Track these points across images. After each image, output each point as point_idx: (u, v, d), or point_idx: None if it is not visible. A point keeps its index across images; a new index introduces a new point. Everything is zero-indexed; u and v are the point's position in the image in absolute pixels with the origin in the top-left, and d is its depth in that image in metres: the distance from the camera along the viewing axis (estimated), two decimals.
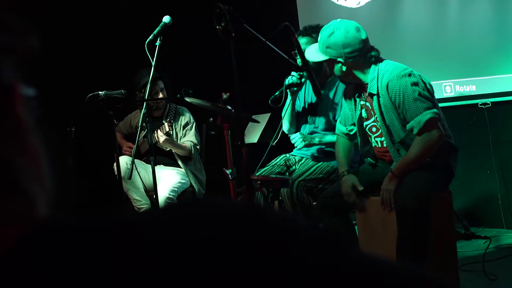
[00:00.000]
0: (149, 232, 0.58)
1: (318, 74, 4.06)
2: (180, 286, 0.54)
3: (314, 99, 4.19)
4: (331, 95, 4.11)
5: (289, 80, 4.01)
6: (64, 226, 0.59)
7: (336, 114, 4.06)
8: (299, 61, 3.57)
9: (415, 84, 3.25)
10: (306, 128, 4.24)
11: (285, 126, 4.27)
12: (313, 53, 3.46)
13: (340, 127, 3.74)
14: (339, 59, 3.36)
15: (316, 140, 4.09)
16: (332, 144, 3.99)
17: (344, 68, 3.38)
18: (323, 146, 4.13)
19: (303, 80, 4.02)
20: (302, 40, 3.99)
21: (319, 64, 3.77)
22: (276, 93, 4.04)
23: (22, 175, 0.60)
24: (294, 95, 4.13)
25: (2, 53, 0.61)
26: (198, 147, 4.84)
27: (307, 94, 4.26)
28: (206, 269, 0.54)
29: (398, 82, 3.25)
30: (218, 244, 0.56)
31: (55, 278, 0.54)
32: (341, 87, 3.95)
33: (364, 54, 3.35)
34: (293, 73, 4.02)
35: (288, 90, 4.04)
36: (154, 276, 0.54)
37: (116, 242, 0.57)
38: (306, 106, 4.25)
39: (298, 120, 4.30)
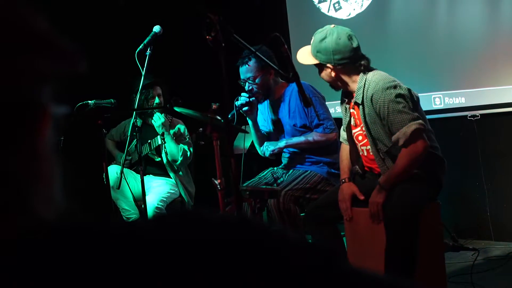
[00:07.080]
0: (145, 234, 0.58)
1: (269, 94, 4.10)
2: (180, 286, 0.54)
3: (274, 117, 4.21)
4: (286, 107, 4.12)
5: (238, 101, 4.03)
6: (62, 229, 0.59)
7: (297, 119, 4.08)
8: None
9: (400, 96, 3.24)
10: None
11: (258, 149, 4.27)
12: (305, 55, 3.46)
13: (343, 134, 3.72)
14: (328, 65, 3.36)
15: (283, 142, 4.10)
16: (299, 145, 4.06)
17: (332, 74, 3.38)
18: (292, 151, 4.15)
19: (252, 99, 4.03)
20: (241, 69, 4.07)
21: (265, 84, 4.00)
22: (229, 116, 4.06)
23: (31, 197, 0.60)
24: (250, 115, 4.14)
25: (47, 77, 0.61)
26: (188, 155, 4.76)
27: (269, 114, 4.27)
28: (207, 268, 0.55)
29: (382, 94, 3.24)
30: (216, 245, 0.57)
31: (54, 279, 0.54)
32: (293, 95, 4.04)
33: (353, 62, 3.35)
34: (242, 94, 4.06)
35: (240, 111, 4.06)
36: (153, 276, 0.54)
37: (115, 243, 0.57)
38: (272, 125, 4.25)
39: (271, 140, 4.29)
